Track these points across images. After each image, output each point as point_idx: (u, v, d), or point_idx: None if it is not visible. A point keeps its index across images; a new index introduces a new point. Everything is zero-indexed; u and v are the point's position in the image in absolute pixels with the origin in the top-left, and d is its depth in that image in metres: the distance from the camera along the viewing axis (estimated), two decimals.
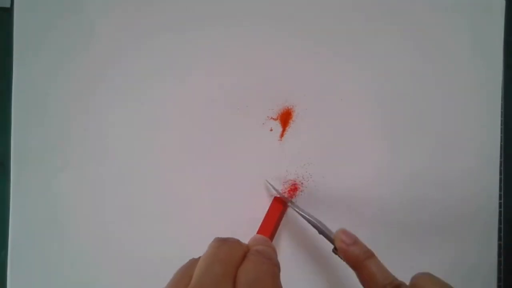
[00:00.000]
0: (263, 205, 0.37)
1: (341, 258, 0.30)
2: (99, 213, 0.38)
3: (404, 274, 0.28)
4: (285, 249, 0.38)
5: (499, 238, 0.38)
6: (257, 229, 0.35)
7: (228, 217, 0.38)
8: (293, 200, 0.38)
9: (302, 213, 0.34)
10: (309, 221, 0.33)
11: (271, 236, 0.34)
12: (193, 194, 0.38)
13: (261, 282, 0.22)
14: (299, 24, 0.39)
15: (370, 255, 0.29)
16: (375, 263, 0.28)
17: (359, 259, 0.28)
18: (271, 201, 0.37)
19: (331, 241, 0.31)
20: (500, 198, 0.38)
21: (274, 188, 0.37)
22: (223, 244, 0.24)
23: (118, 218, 0.38)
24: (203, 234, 0.25)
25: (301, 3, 0.39)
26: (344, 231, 0.30)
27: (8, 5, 0.38)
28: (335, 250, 0.30)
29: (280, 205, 0.36)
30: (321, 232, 0.32)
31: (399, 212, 0.38)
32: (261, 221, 0.35)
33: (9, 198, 0.38)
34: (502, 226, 0.38)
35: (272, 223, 0.35)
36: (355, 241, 0.30)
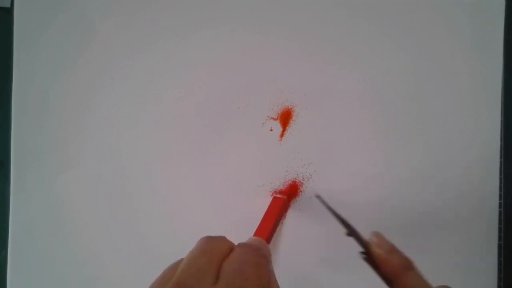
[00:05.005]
0: (263, 206, 0.36)
1: (370, 266, 0.25)
2: (99, 213, 0.38)
3: None
4: (285, 251, 0.38)
5: (499, 238, 0.38)
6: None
7: (228, 217, 0.38)
8: (296, 200, 0.38)
9: (334, 210, 0.29)
10: (340, 219, 0.28)
11: (269, 237, 0.34)
12: (193, 194, 0.38)
13: (244, 272, 0.21)
14: (299, 24, 0.39)
15: (410, 266, 0.24)
16: (416, 277, 0.24)
17: (398, 270, 0.24)
18: (270, 201, 0.37)
19: (364, 245, 0.26)
20: (500, 198, 0.38)
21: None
22: (210, 240, 0.24)
23: (117, 218, 0.38)
24: (202, 234, 0.24)
25: (301, 3, 0.39)
26: (380, 236, 0.26)
27: (8, 5, 0.38)
28: (365, 256, 0.25)
29: (279, 206, 0.36)
30: (352, 233, 0.27)
31: (399, 212, 0.38)
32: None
33: (9, 198, 0.38)
34: (502, 226, 0.38)
35: (270, 223, 0.34)
36: (393, 249, 0.25)
